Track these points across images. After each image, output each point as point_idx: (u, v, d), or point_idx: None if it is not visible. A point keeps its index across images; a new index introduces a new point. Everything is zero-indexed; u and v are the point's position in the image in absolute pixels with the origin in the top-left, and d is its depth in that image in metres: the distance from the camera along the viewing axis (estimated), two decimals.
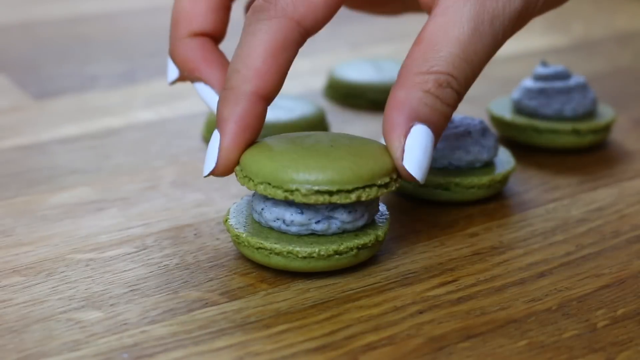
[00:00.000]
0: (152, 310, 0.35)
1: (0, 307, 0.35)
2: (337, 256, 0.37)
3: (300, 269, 0.37)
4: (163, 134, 0.51)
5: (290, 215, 0.36)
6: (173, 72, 0.42)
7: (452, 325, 0.34)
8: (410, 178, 0.36)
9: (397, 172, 0.37)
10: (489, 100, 0.57)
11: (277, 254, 0.36)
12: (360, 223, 0.37)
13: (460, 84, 0.36)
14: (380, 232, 0.38)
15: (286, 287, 0.37)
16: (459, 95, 0.36)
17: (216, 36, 0.42)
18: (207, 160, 0.37)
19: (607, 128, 0.49)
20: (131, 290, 0.36)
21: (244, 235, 0.37)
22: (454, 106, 0.36)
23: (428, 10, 0.38)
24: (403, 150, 0.36)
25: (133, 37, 0.69)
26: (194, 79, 0.41)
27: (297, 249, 0.36)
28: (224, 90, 0.37)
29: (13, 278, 0.37)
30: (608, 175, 0.47)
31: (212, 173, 0.37)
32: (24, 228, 0.41)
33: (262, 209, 0.37)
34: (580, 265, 0.38)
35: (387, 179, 0.36)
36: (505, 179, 0.43)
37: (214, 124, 0.46)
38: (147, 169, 0.47)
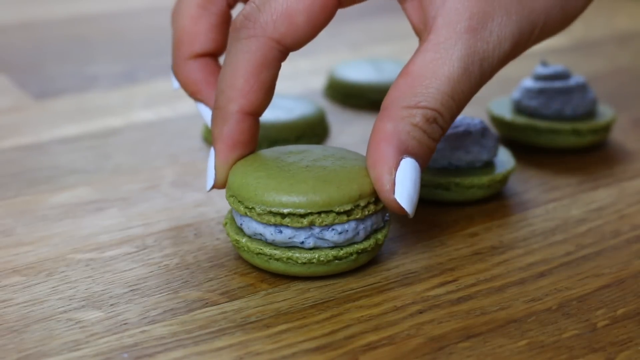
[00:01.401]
0: (152, 310, 0.35)
1: (0, 307, 0.35)
2: (336, 261, 0.37)
3: (300, 274, 0.37)
4: (163, 134, 0.51)
5: (271, 235, 0.36)
6: (177, 82, 0.43)
7: (452, 325, 0.34)
8: (401, 211, 0.36)
9: (372, 199, 0.36)
10: (489, 100, 0.57)
11: (277, 259, 0.36)
12: (357, 240, 0.37)
13: (445, 120, 0.37)
14: (380, 236, 0.37)
15: (286, 287, 0.37)
16: (444, 130, 0.37)
17: (218, 53, 0.43)
18: (207, 176, 0.39)
19: (606, 128, 0.49)
20: (131, 290, 0.36)
21: (243, 240, 0.37)
22: (438, 141, 0.37)
23: (419, 35, 0.38)
24: (394, 184, 0.36)
25: (133, 37, 0.69)
26: (196, 99, 0.42)
27: (297, 255, 0.36)
28: (213, 110, 0.39)
29: (13, 278, 0.37)
30: (608, 175, 0.47)
31: (213, 187, 0.39)
32: (25, 228, 0.41)
33: (241, 224, 0.37)
34: (580, 265, 0.38)
35: (348, 207, 0.36)
36: (505, 179, 0.43)
37: None
38: (147, 169, 0.47)
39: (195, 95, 0.42)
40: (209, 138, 0.49)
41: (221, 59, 0.43)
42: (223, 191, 0.44)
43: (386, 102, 0.37)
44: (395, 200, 0.36)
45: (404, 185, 0.36)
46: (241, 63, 0.37)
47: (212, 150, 0.39)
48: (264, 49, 0.37)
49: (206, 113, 0.42)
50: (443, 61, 0.36)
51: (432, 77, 0.36)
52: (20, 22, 0.73)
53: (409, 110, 0.36)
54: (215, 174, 0.38)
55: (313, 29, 0.37)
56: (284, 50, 0.37)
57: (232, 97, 0.38)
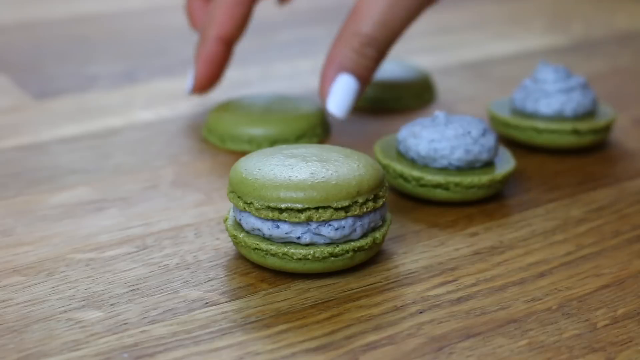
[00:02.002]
0: (152, 310, 0.35)
1: (0, 307, 0.35)
2: (332, 258, 0.37)
3: (296, 270, 0.37)
4: (163, 134, 0.51)
5: (268, 230, 0.36)
6: (190, 81, 0.52)
7: (452, 324, 0.34)
8: (334, 115, 0.47)
9: (371, 197, 0.37)
10: (489, 100, 0.57)
11: (273, 255, 0.37)
12: (353, 237, 0.37)
13: (379, 42, 0.47)
14: (378, 235, 0.37)
15: (286, 287, 0.37)
16: (380, 52, 0.47)
17: None
18: (187, 83, 0.52)
19: (607, 128, 0.49)
20: (131, 290, 0.36)
21: (241, 235, 0.37)
22: (375, 60, 0.47)
23: None
24: (328, 94, 0.47)
25: (133, 37, 0.69)
26: (194, 28, 0.54)
27: (292, 250, 0.36)
28: (198, 35, 0.51)
29: (13, 278, 0.37)
30: (608, 175, 0.47)
31: (192, 91, 0.51)
32: (25, 228, 0.41)
33: (240, 219, 0.37)
34: (580, 265, 0.38)
35: (345, 203, 0.36)
36: (505, 179, 0.43)
37: (213, 126, 0.49)
38: (147, 169, 0.47)
39: (193, 26, 0.54)
40: (209, 137, 0.50)
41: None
42: (223, 191, 0.44)
43: (339, 30, 0.48)
44: (327, 107, 0.47)
45: (334, 95, 0.47)
46: (221, 0, 0.50)
47: (191, 66, 0.51)
48: None
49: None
50: None
51: (367, 9, 0.47)
52: (20, 22, 0.73)
53: (348, 37, 0.47)
54: (195, 81, 0.51)
55: None
56: None
57: (211, 25, 0.50)
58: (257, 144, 0.48)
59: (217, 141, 0.49)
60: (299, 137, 0.49)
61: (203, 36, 0.50)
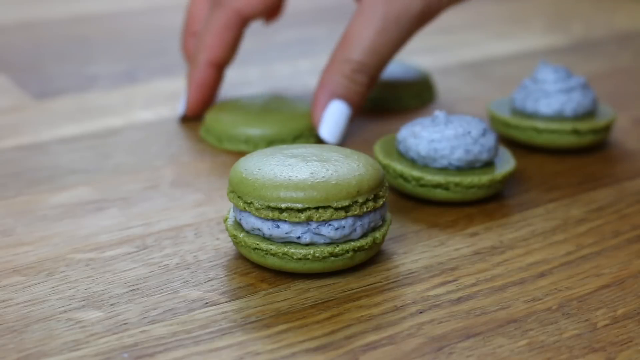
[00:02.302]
0: (152, 310, 0.35)
1: (0, 307, 0.35)
2: (332, 258, 0.37)
3: (296, 270, 0.37)
4: (163, 134, 0.51)
5: (268, 230, 0.36)
6: (182, 106, 0.53)
7: (452, 324, 0.34)
8: (326, 141, 0.48)
9: (371, 196, 0.37)
10: (489, 100, 0.57)
11: (273, 254, 0.37)
12: (353, 237, 0.37)
13: (370, 68, 0.48)
14: (378, 235, 0.37)
15: (286, 287, 0.37)
16: (371, 77, 0.48)
17: None
18: (180, 108, 0.53)
19: (607, 128, 0.49)
20: (131, 290, 0.36)
21: (241, 235, 0.37)
22: (366, 85, 0.48)
23: (356, 2, 0.52)
24: (320, 121, 0.48)
25: (133, 37, 0.69)
26: (189, 63, 0.54)
27: (292, 250, 0.36)
28: (190, 61, 0.52)
29: (13, 278, 0.37)
30: (608, 175, 0.47)
31: (184, 115, 0.52)
32: (24, 228, 0.41)
33: (240, 219, 0.37)
34: (580, 265, 0.38)
35: (345, 202, 0.36)
36: (505, 179, 0.43)
37: (210, 126, 0.50)
38: (147, 169, 0.47)
39: (189, 60, 0.54)
40: (207, 137, 0.50)
41: None
42: (223, 191, 0.44)
43: (330, 57, 0.49)
44: (320, 134, 0.48)
45: (327, 123, 0.48)
46: (210, 26, 0.51)
47: (183, 90, 0.52)
48: (227, 16, 0.50)
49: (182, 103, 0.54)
50: (367, 23, 0.47)
51: (358, 36, 0.48)
52: (20, 22, 0.73)
53: (339, 64, 0.48)
54: (186, 107, 0.52)
55: (263, 3, 0.51)
56: (244, 17, 0.51)
57: (201, 49, 0.51)
58: (254, 144, 0.48)
59: (215, 141, 0.49)
60: (296, 138, 0.49)
61: (194, 61, 0.51)
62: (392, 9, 0.47)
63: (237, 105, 0.51)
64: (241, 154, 0.48)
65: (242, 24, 0.51)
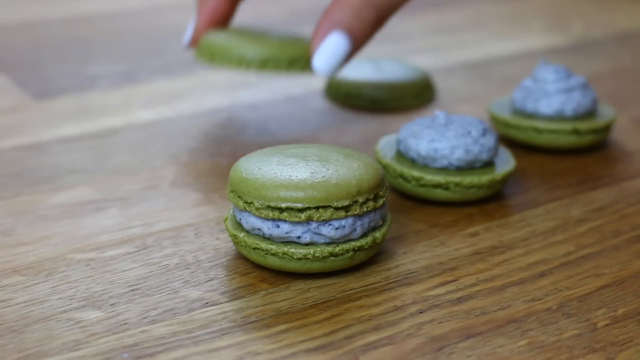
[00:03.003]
0: (152, 310, 0.35)
1: (0, 307, 0.35)
2: (332, 258, 0.37)
3: (296, 269, 0.37)
4: (163, 134, 0.51)
5: (268, 229, 0.36)
6: (188, 34, 0.50)
7: (452, 324, 0.34)
8: (318, 72, 0.46)
9: (371, 196, 0.37)
10: (489, 100, 0.57)
11: (273, 254, 0.37)
12: (353, 236, 0.37)
13: (380, 7, 0.45)
14: (378, 235, 0.37)
15: (286, 287, 0.37)
16: (378, 16, 0.45)
17: None
18: (185, 35, 0.50)
19: (607, 128, 0.49)
20: (131, 290, 0.36)
21: (241, 235, 0.37)
22: (372, 24, 0.45)
23: None
24: (316, 50, 0.45)
25: (133, 37, 0.69)
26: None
27: (292, 250, 0.36)
28: None
29: (13, 278, 0.37)
30: (608, 175, 0.47)
31: (189, 44, 0.50)
32: (24, 228, 0.41)
33: (240, 219, 0.37)
34: (581, 265, 0.38)
35: (346, 202, 0.36)
36: (505, 179, 0.43)
37: (206, 41, 0.49)
38: (147, 169, 0.47)
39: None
40: (200, 54, 0.49)
41: None
42: (223, 191, 0.44)
43: None
44: (313, 62, 0.46)
45: (323, 52, 0.45)
46: None
47: (192, 17, 0.49)
48: None
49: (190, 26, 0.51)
50: None
51: None
52: (20, 22, 0.73)
53: None
54: (193, 35, 0.49)
55: None
56: None
57: None
58: (246, 63, 0.47)
59: (208, 56, 0.48)
60: (291, 62, 0.47)
61: None
62: None
63: (241, 29, 0.50)
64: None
65: None
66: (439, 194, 0.43)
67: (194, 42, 0.50)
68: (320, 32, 0.45)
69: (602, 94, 0.58)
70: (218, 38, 0.48)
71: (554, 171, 0.47)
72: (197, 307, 0.35)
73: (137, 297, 0.36)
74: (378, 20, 0.46)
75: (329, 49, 0.45)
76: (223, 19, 0.49)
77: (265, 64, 0.47)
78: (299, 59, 0.47)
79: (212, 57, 0.48)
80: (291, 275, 0.37)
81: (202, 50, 0.49)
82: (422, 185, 0.43)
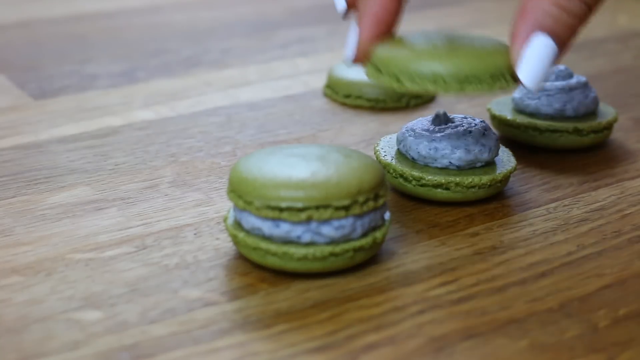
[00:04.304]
0: (151, 310, 0.35)
1: None
2: (332, 258, 0.37)
3: (296, 269, 0.37)
4: (162, 134, 0.51)
5: (268, 229, 0.36)
6: (352, 48, 0.42)
7: (453, 325, 0.34)
8: (524, 86, 0.38)
9: (371, 196, 0.37)
10: (490, 99, 0.57)
11: (273, 254, 0.36)
12: (354, 236, 0.37)
13: None
14: (378, 235, 0.37)
15: (286, 287, 0.37)
16: (589, 6, 0.38)
17: None
18: (347, 49, 0.41)
19: (608, 127, 0.49)
20: (131, 290, 0.36)
21: (241, 235, 0.37)
22: (581, 18, 0.38)
23: None
24: (520, 58, 0.38)
25: (133, 36, 0.69)
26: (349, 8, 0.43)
27: (293, 250, 0.36)
28: None
29: (12, 278, 0.37)
30: (609, 174, 0.47)
31: (353, 61, 0.41)
32: (23, 228, 0.41)
33: (240, 219, 0.37)
34: (582, 265, 0.38)
35: (346, 202, 0.36)
36: (506, 179, 0.43)
37: (383, 61, 0.40)
38: (147, 169, 0.47)
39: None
40: (378, 77, 0.40)
41: None
42: (223, 191, 0.44)
43: None
44: (518, 75, 0.38)
45: (528, 61, 0.38)
46: None
47: (354, 26, 0.41)
48: None
49: (353, 30, 0.42)
50: None
51: None
52: (18, 21, 0.73)
53: None
54: (358, 47, 0.40)
55: None
56: None
57: None
58: (444, 83, 0.39)
59: (391, 81, 0.39)
60: (494, 77, 0.39)
61: None
62: None
63: (411, 41, 0.41)
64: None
65: None
66: (440, 194, 0.43)
67: (361, 57, 0.41)
68: (521, 36, 0.38)
69: (603, 94, 0.58)
70: (397, 52, 0.39)
71: (555, 171, 0.47)
72: (196, 307, 0.35)
73: (137, 297, 0.36)
74: (588, 12, 0.38)
75: (535, 57, 0.38)
76: (391, 24, 0.41)
77: (465, 83, 0.38)
78: (502, 73, 0.39)
79: (398, 81, 0.39)
80: (291, 275, 0.37)
81: (378, 68, 0.40)
82: (423, 185, 0.43)
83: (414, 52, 0.39)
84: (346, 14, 0.42)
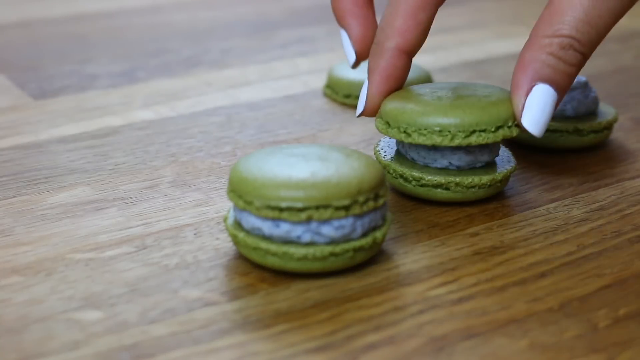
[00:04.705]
0: (151, 310, 0.35)
1: None
2: (332, 258, 0.37)
3: (296, 269, 0.37)
4: (162, 134, 0.51)
5: (268, 229, 0.36)
6: (362, 102, 0.44)
7: (453, 325, 0.34)
8: (529, 133, 0.41)
9: (371, 195, 0.37)
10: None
11: (273, 254, 0.36)
12: (354, 236, 0.37)
13: (583, 45, 0.40)
14: (378, 234, 0.37)
15: (286, 287, 0.37)
16: (584, 55, 0.40)
17: None
18: (359, 104, 0.44)
19: (608, 127, 0.49)
20: (131, 290, 0.36)
21: (241, 235, 0.37)
22: (577, 66, 0.40)
23: None
24: (523, 108, 0.40)
25: (133, 36, 0.69)
26: (340, 24, 0.46)
27: (292, 250, 0.36)
28: (373, 45, 0.43)
29: (12, 278, 0.37)
30: (609, 174, 0.47)
31: (362, 114, 0.44)
32: (23, 228, 0.41)
33: (240, 219, 0.37)
34: (582, 265, 0.38)
35: (346, 202, 0.36)
36: (506, 179, 0.43)
37: (391, 116, 0.42)
38: (147, 169, 0.47)
39: (339, 21, 0.46)
40: (387, 131, 0.42)
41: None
42: (223, 191, 0.44)
43: (531, 33, 0.40)
44: (522, 123, 0.40)
45: (531, 110, 0.40)
46: (401, 5, 0.42)
47: (365, 81, 0.43)
48: None
49: (345, 41, 0.46)
50: None
51: (568, 6, 0.39)
52: (18, 21, 0.73)
53: (546, 39, 0.40)
54: (367, 102, 0.43)
55: None
56: None
57: (389, 34, 0.42)
58: (451, 135, 0.41)
59: (400, 135, 0.42)
60: (498, 128, 0.41)
61: (378, 46, 0.43)
62: None
63: (417, 94, 0.43)
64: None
65: (439, 2, 0.43)
66: (440, 194, 0.43)
67: (371, 112, 0.44)
68: (522, 86, 0.40)
69: (604, 94, 0.58)
70: (404, 107, 0.42)
71: (555, 171, 0.47)
72: (196, 307, 0.35)
73: (137, 297, 0.36)
74: (582, 61, 0.41)
75: (537, 106, 0.40)
76: (400, 79, 0.43)
77: (471, 134, 0.41)
78: (506, 123, 0.41)
79: (407, 135, 0.41)
80: (291, 275, 0.37)
81: (385, 120, 0.42)
82: (423, 186, 0.43)
83: (420, 106, 0.41)
84: (355, 65, 0.46)
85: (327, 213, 0.36)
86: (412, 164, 0.43)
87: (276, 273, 0.37)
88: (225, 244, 0.40)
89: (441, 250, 0.39)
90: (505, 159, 0.44)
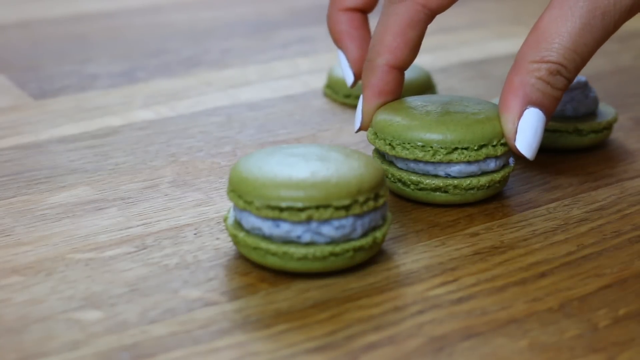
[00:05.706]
0: (151, 310, 0.35)
1: None
2: (332, 258, 0.37)
3: (296, 269, 0.37)
4: (162, 134, 0.51)
5: (268, 229, 0.36)
6: (358, 118, 0.45)
7: (453, 325, 0.34)
8: (521, 156, 0.41)
9: (371, 195, 0.37)
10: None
11: (273, 254, 0.36)
12: (354, 236, 0.37)
13: (569, 71, 0.41)
14: (378, 234, 0.37)
15: (286, 287, 0.37)
16: (569, 80, 0.41)
17: (367, 10, 0.48)
18: (355, 120, 0.45)
19: (608, 127, 0.49)
20: (131, 290, 0.36)
21: (241, 235, 0.37)
22: (563, 90, 0.41)
23: None
24: (516, 132, 0.41)
25: (133, 36, 0.69)
26: (338, 46, 0.48)
27: (293, 249, 0.36)
28: (365, 62, 0.44)
29: (12, 278, 0.37)
30: (609, 174, 0.47)
31: (359, 130, 0.45)
32: (23, 228, 0.41)
33: (240, 218, 0.37)
34: (582, 265, 0.38)
35: (346, 202, 0.36)
36: (504, 180, 0.43)
37: (380, 129, 0.43)
38: (147, 169, 0.47)
39: (337, 43, 0.48)
40: (375, 142, 0.43)
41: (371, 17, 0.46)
42: (223, 191, 0.44)
43: (517, 56, 0.41)
44: (516, 147, 0.41)
45: (524, 133, 0.41)
46: (391, 23, 0.43)
47: (361, 96, 0.45)
48: (412, 11, 0.43)
49: (343, 61, 0.48)
50: (566, 17, 0.40)
51: (555, 33, 0.40)
52: (18, 21, 0.73)
53: (534, 64, 0.41)
54: (362, 118, 0.44)
55: None
56: (429, 13, 0.44)
57: (380, 51, 0.44)
58: (433, 151, 0.41)
59: (385, 147, 0.43)
60: (482, 146, 0.42)
61: (370, 63, 0.44)
62: (597, 3, 0.40)
63: (407, 107, 0.44)
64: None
65: (428, 20, 0.44)
66: (439, 197, 0.43)
67: (365, 126, 0.45)
68: (513, 110, 0.41)
69: (603, 94, 0.58)
70: (392, 120, 0.42)
71: (555, 171, 0.47)
72: (196, 307, 0.35)
73: (137, 297, 0.36)
74: (567, 85, 0.42)
75: (530, 130, 0.41)
76: (392, 93, 0.44)
77: (452, 152, 0.41)
78: (490, 142, 0.42)
79: (392, 148, 0.42)
80: (291, 275, 0.37)
81: (376, 137, 0.43)
82: (421, 189, 0.43)
83: (407, 120, 0.42)
84: (353, 84, 0.48)
85: (327, 213, 0.36)
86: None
87: (276, 273, 0.37)
88: (225, 244, 0.40)
89: (441, 250, 0.39)
90: None
